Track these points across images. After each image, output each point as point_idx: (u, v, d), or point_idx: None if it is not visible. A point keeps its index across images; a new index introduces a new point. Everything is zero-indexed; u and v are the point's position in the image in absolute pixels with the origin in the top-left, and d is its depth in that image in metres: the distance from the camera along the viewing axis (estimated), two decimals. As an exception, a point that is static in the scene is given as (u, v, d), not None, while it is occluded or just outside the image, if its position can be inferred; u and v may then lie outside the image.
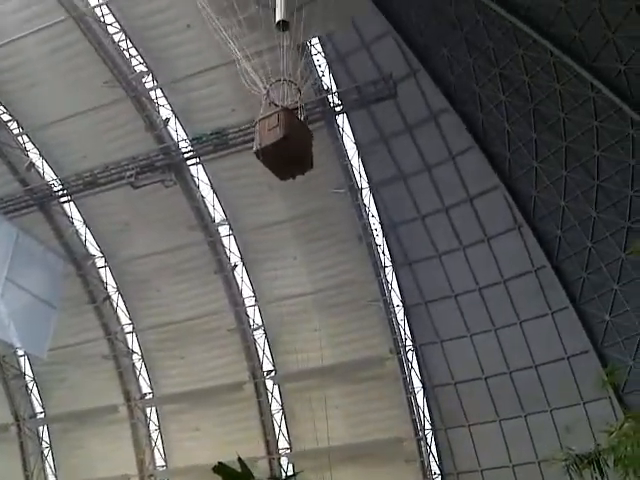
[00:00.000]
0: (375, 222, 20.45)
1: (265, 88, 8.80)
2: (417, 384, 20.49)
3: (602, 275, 17.19)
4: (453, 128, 18.20)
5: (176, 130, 20.14)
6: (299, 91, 8.77)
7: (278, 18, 8.50)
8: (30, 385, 24.69)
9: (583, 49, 15.18)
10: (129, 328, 23.29)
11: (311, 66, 17.43)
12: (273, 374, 22.05)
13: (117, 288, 23.05)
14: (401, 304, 20.57)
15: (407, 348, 20.42)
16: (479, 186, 18.58)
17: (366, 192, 20.22)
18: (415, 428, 20.21)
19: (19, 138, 21.31)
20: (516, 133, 17.14)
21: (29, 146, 21.46)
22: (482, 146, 17.92)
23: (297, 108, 8.85)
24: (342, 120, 19.50)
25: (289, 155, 8.64)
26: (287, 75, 8.70)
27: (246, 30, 9.44)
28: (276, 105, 8.73)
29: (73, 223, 22.38)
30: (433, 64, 17.22)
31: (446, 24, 16.21)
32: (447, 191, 19.12)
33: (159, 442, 23.33)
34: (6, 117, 20.94)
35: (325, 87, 18.55)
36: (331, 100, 18.50)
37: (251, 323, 22.00)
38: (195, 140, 19.63)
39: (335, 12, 8.94)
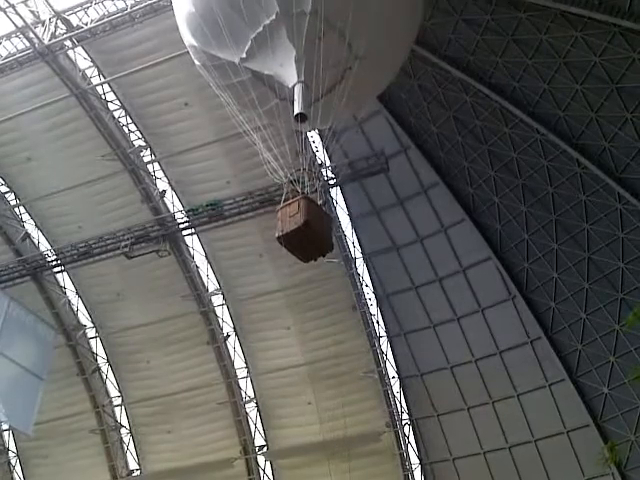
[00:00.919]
0: (369, 292, 20.48)
1: (286, 177, 9.21)
2: (414, 460, 19.93)
3: (598, 347, 17.12)
4: (444, 201, 18.55)
5: (172, 202, 20.44)
6: (318, 179, 9.16)
7: (296, 111, 8.79)
8: (13, 461, 23.74)
9: (568, 127, 15.76)
10: (118, 401, 22.71)
11: (306, 142, 17.93)
12: (265, 450, 21.36)
13: (107, 359, 22.64)
14: (396, 376, 20.28)
15: (403, 422, 19.97)
16: (471, 257, 18.75)
17: (360, 262, 20.35)
18: (413, 507, 19.48)
19: (16, 209, 21.50)
20: (506, 206, 17.50)
21: (25, 217, 21.62)
22: (473, 218, 18.23)
23: (315, 191, 9.19)
24: (336, 193, 19.89)
25: (310, 239, 9.00)
26: (306, 164, 9.13)
27: (265, 121, 9.85)
28: (297, 192, 9.08)
29: (65, 293, 22.26)
30: (423, 141, 17.77)
31: (435, 104, 16.85)
32: (440, 262, 19.26)
33: (145, 523, 22.30)
34: (4, 189, 21.20)
35: (319, 161, 18.99)
36: (325, 174, 18.92)
37: (243, 396, 21.53)
38: (191, 211, 19.89)
39: (348, 103, 9.29)
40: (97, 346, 22.66)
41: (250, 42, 8.95)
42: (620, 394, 16.82)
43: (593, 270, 16.79)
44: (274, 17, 8.65)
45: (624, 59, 14.19)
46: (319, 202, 9.26)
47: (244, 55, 9.09)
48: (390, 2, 8.84)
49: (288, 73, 8.88)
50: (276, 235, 9.18)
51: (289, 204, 9.02)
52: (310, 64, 8.63)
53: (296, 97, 8.79)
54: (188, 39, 9.76)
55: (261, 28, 8.78)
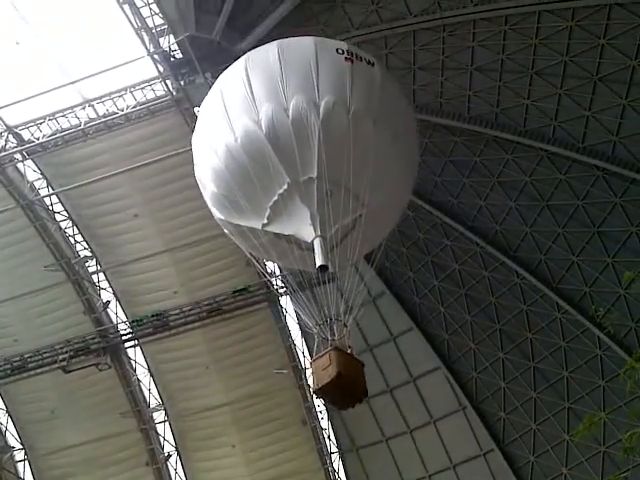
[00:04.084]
0: (320, 404, 19.90)
1: (316, 327, 9.48)
2: None
3: (550, 458, 16.96)
4: (393, 309, 18.75)
5: (116, 312, 19.84)
6: (345, 326, 9.39)
7: (318, 264, 9.18)
8: None
9: (505, 241, 16.65)
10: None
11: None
12: None
13: (34, 486, 20.70)
14: (350, 496, 19.32)
15: None
16: (421, 367, 18.70)
17: (309, 373, 19.91)
18: None
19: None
20: (452, 316, 17.85)
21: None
22: (421, 327, 18.41)
23: (343, 338, 9.42)
24: (285, 301, 19.86)
25: (345, 388, 9.21)
26: (333, 313, 9.43)
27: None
28: (326, 339, 9.28)
29: (-7, 413, 20.65)
30: (370, 252, 18.22)
31: (380, 218, 17.55)
32: (390, 372, 19.08)
33: None
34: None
35: (269, 271, 19.08)
36: (275, 283, 18.96)
37: (185, 525, 19.87)
38: (135, 322, 19.32)
39: (363, 244, 9.84)
40: (25, 471, 20.77)
41: (268, 210, 9.76)
42: (575, 509, 16.46)
43: (539, 379, 17.02)
44: (286, 186, 9.52)
45: (552, 179, 15.47)
46: (348, 347, 9.36)
47: (265, 221, 9.86)
48: (387, 155, 9.48)
49: (305, 230, 9.57)
50: (312, 389, 9.49)
51: (320, 356, 9.31)
52: (324, 219, 9.41)
53: (316, 251, 9.29)
54: (215, 214, 10.56)
55: (276, 197, 9.61)
